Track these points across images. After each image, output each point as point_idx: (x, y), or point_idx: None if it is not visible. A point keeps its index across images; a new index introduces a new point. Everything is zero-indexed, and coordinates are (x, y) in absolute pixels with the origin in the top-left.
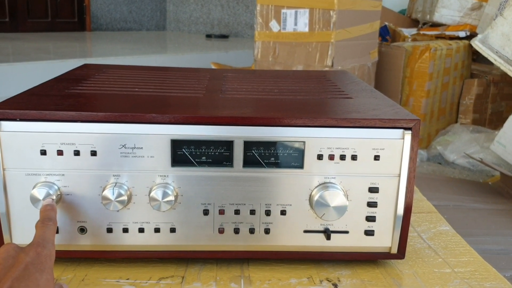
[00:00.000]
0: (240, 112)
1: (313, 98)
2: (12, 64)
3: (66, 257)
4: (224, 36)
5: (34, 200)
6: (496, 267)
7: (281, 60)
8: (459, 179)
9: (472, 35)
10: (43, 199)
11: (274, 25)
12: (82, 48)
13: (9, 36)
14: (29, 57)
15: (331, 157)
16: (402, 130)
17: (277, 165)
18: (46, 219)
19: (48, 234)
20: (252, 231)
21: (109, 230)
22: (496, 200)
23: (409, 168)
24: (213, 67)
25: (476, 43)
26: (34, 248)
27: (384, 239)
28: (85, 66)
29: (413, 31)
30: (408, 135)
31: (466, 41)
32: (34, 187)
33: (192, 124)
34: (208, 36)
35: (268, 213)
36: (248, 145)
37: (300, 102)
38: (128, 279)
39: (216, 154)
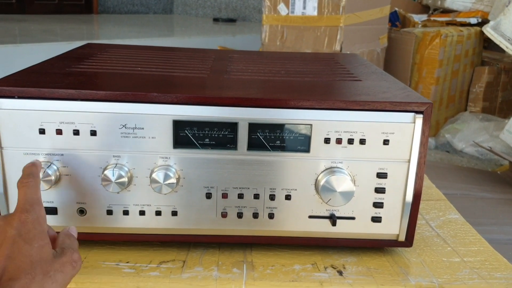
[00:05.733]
0: (245, 93)
1: (321, 80)
2: (18, 46)
3: None
4: (231, 20)
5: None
6: (504, 256)
7: (289, 44)
8: (467, 168)
9: (484, 21)
10: (42, 178)
11: (282, 9)
12: (89, 30)
13: (16, 17)
14: (36, 38)
15: (339, 141)
16: (413, 113)
17: (282, 148)
18: (25, 176)
19: (30, 194)
20: (255, 215)
21: (109, 212)
22: (504, 189)
23: (420, 154)
24: None
25: (487, 30)
26: (18, 216)
27: (392, 226)
28: (88, 45)
29: (424, 17)
30: (419, 119)
31: (477, 28)
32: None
33: (195, 105)
34: (216, 19)
35: (272, 197)
36: (253, 127)
37: (308, 84)
38: (128, 262)
39: (220, 136)
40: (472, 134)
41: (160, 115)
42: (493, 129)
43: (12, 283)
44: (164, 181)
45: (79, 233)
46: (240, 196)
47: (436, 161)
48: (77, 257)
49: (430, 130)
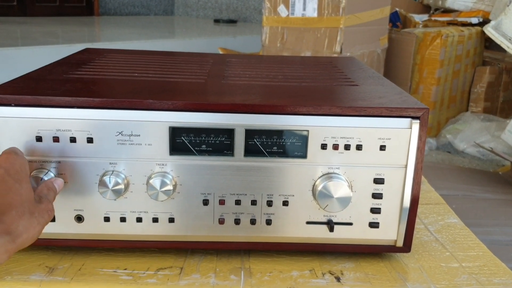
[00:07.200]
0: (242, 99)
1: (318, 85)
2: (20, 48)
3: (63, 246)
4: (232, 21)
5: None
6: (504, 258)
7: (289, 45)
8: (469, 169)
9: (485, 21)
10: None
11: (282, 10)
12: (90, 32)
13: (17, 20)
14: (37, 41)
15: (336, 147)
16: (409, 119)
17: (279, 154)
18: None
19: (14, 148)
20: (253, 222)
21: (107, 219)
22: (506, 190)
23: (417, 159)
24: (220, 52)
25: (489, 30)
26: (5, 155)
27: (390, 231)
28: (86, 50)
29: (425, 17)
30: (416, 125)
31: (478, 28)
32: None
33: (192, 111)
34: (216, 21)
35: (270, 203)
36: (250, 133)
37: (305, 89)
38: (125, 269)
39: (217, 143)
40: (474, 135)
41: (157, 122)
42: (495, 129)
43: (1, 217)
44: (160, 188)
45: (76, 240)
46: (238, 202)
47: (437, 162)
48: (52, 207)
49: (431, 130)
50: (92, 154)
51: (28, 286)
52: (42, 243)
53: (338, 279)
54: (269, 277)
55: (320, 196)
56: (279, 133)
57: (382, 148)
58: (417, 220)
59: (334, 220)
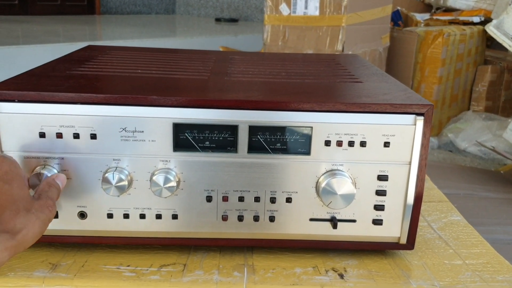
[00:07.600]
0: (246, 96)
1: (322, 82)
2: (21, 47)
3: (66, 242)
4: (233, 20)
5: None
6: (506, 257)
7: (291, 44)
8: (470, 168)
9: (487, 20)
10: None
11: (284, 9)
12: (91, 31)
13: (18, 18)
14: (38, 39)
15: (339, 143)
16: (414, 115)
17: (283, 151)
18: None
19: (4, 154)
20: (256, 218)
21: (110, 216)
22: (507, 189)
23: (421, 156)
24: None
25: (490, 29)
26: None
27: (393, 228)
28: (89, 47)
29: (426, 16)
30: (420, 121)
31: (480, 27)
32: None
33: (196, 108)
34: (218, 20)
35: (273, 200)
36: (253, 130)
37: (308, 86)
38: (128, 266)
39: (220, 139)
40: (475, 134)
41: (160, 118)
42: (496, 128)
43: None
44: (164, 184)
45: (79, 237)
46: (241, 199)
47: (439, 161)
48: (52, 203)
49: (433, 129)
50: (96, 150)
51: (31, 282)
52: (45, 239)
53: (341, 276)
54: (272, 273)
55: (324, 193)
56: (282, 129)
57: (386, 144)
58: (420, 217)
59: (338, 217)
